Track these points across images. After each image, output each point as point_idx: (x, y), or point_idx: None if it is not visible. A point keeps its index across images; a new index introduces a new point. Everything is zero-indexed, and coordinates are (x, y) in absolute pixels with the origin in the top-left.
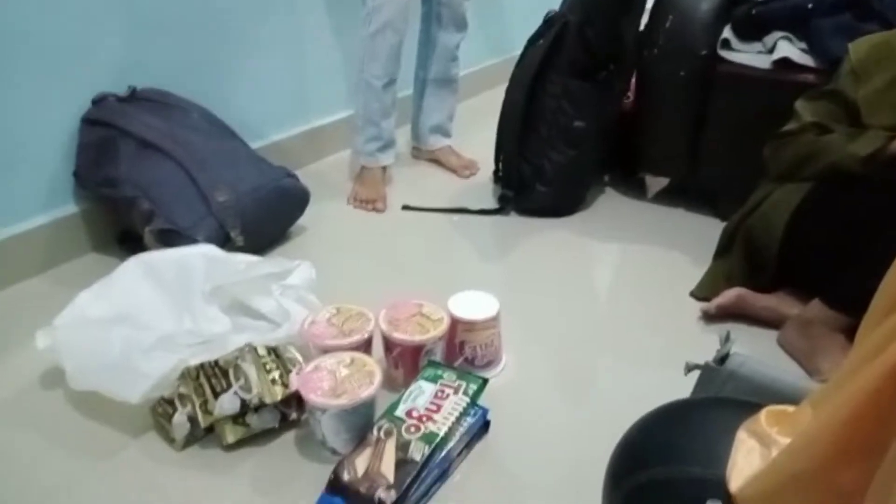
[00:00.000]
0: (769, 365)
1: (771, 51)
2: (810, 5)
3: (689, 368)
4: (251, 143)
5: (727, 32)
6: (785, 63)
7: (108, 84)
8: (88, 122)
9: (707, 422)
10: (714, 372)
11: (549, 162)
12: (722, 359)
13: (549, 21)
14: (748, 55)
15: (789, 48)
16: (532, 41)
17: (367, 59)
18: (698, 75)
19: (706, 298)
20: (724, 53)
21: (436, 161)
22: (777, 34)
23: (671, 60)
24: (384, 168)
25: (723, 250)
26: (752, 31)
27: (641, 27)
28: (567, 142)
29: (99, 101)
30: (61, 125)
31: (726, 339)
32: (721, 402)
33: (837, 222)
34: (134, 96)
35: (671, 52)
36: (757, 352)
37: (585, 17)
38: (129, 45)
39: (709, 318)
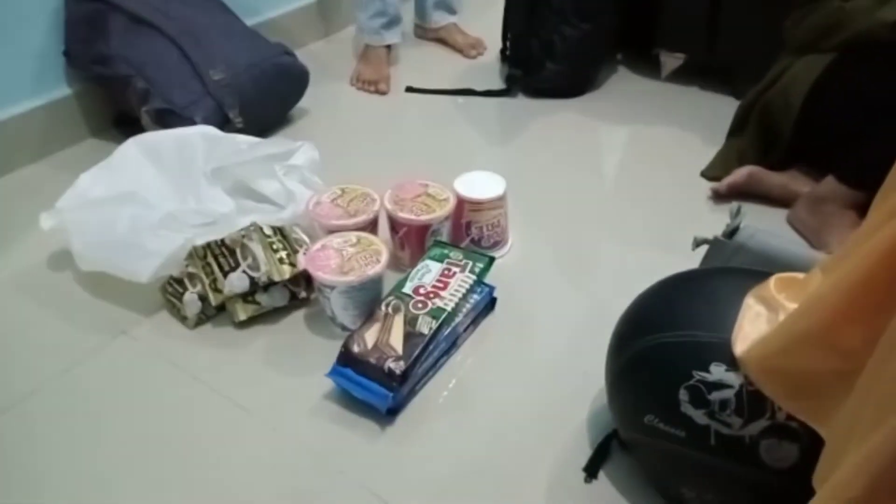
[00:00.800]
0: (780, 236)
1: None
2: None
3: (698, 243)
4: (245, 19)
5: None
6: None
7: None
8: None
9: (714, 289)
10: (723, 245)
11: (560, 37)
12: (731, 232)
13: None
14: None
15: None
16: None
17: None
18: None
19: (717, 178)
20: None
21: (440, 40)
22: None
23: None
24: (389, 47)
25: (737, 129)
26: None
27: None
28: (580, 14)
29: None
30: (50, 4)
31: (737, 213)
32: (729, 271)
33: (859, 92)
34: None
35: None
36: (765, 226)
37: None
38: None
39: (719, 196)
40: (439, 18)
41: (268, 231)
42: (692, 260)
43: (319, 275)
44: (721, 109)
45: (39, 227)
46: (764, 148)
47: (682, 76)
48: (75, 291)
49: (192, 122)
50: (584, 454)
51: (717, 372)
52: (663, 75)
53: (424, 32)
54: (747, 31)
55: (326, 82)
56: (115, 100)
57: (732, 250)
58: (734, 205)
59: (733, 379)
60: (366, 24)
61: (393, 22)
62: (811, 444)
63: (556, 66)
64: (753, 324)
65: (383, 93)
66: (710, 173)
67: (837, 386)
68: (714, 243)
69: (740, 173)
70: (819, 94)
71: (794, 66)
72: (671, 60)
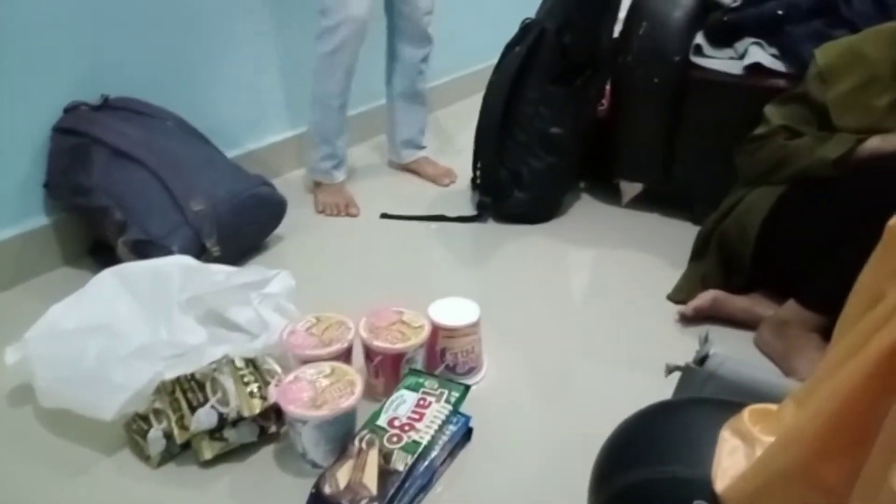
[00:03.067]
0: (749, 364)
1: (742, 56)
2: (781, 12)
3: (670, 370)
4: (226, 152)
5: (700, 39)
6: (757, 69)
7: (79, 92)
8: (60, 130)
9: (690, 422)
10: (694, 373)
11: (527, 168)
12: (702, 359)
13: (525, 27)
14: (720, 61)
15: (760, 54)
16: (509, 47)
17: (323, 78)
18: (672, 81)
19: (682, 301)
20: (696, 59)
21: (413, 171)
22: (748, 40)
23: (645, 66)
24: (340, 183)
25: (697, 254)
26: (724, 38)
27: (616, 34)
28: (545, 148)
29: (71, 110)
30: (31, 135)
31: (705, 340)
32: (703, 402)
33: (810, 224)
34: (107, 104)
35: (645, 59)
36: (733, 353)
37: (562, 24)
38: (100, 52)
39: (686, 320)
40: (408, 154)
41: (239, 363)
42: (667, 383)
43: (291, 409)
44: (681, 234)
45: (3, 360)
46: (725, 273)
47: (642, 202)
48: (34, 428)
49: (168, 252)
50: None
51: None
52: (624, 202)
53: (398, 165)
54: (702, 161)
55: (302, 209)
56: (92, 229)
57: (704, 378)
58: (703, 332)
59: None
60: (317, 164)
61: (342, 163)
62: None
63: (524, 195)
64: (731, 458)
65: (354, 215)
66: (676, 297)
67: None
68: (686, 370)
69: (705, 298)
70: (773, 225)
71: (748, 196)
72: (630, 188)
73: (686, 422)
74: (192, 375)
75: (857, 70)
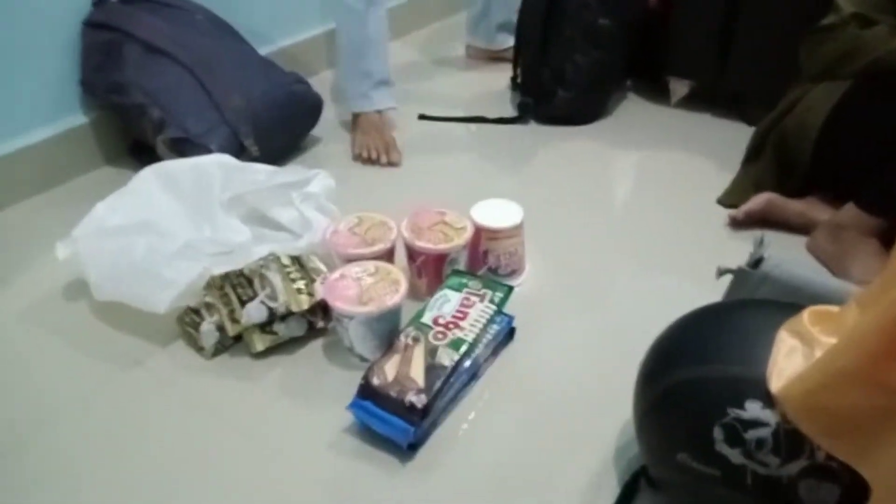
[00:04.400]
0: (806, 266)
1: None
2: None
3: (721, 272)
4: (261, 47)
5: None
6: None
7: None
8: (90, 25)
9: (745, 323)
10: (748, 275)
11: (572, 65)
12: (756, 262)
13: None
14: None
15: None
16: None
17: None
18: None
19: (734, 205)
20: None
21: (504, 60)
22: None
23: None
24: (380, 112)
25: (752, 156)
26: None
27: None
28: (592, 41)
29: (99, 3)
30: (62, 30)
31: (760, 243)
32: (759, 303)
33: (875, 123)
34: None
35: None
36: (787, 257)
37: None
38: None
39: (736, 224)
40: (504, 40)
41: (286, 261)
42: (714, 288)
43: (338, 305)
44: (733, 136)
45: (55, 255)
46: (781, 175)
47: (692, 103)
48: (90, 322)
49: (207, 151)
50: (611, 491)
51: (753, 409)
52: (673, 102)
53: (482, 53)
54: (758, 57)
55: (339, 110)
56: (131, 128)
57: (758, 281)
58: (758, 234)
59: (769, 417)
60: (349, 86)
61: (382, 83)
62: (852, 485)
63: (568, 94)
64: (788, 359)
65: (395, 163)
66: (727, 201)
67: (881, 424)
68: (738, 273)
69: (758, 201)
70: (837, 122)
71: (811, 93)
72: (680, 88)
73: (740, 323)
74: (241, 271)
75: None
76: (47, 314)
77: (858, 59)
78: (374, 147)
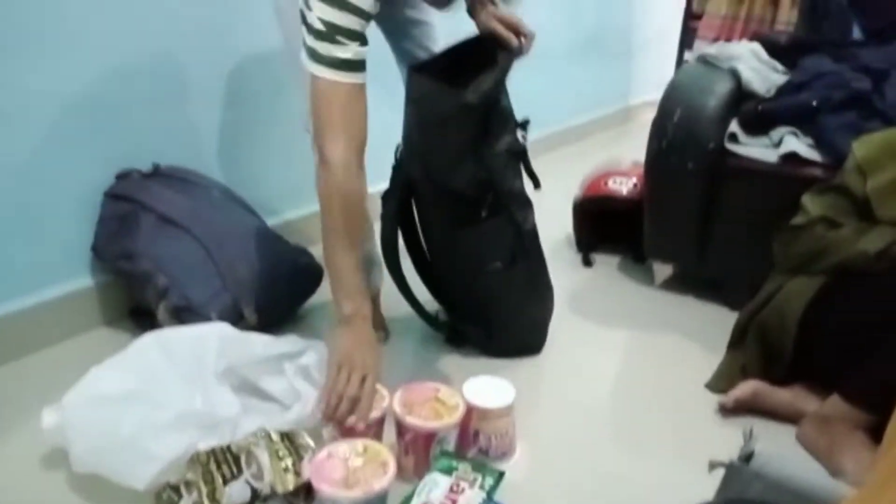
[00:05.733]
0: (795, 463)
1: (778, 145)
2: (815, 103)
3: (713, 466)
4: (269, 219)
5: (734, 126)
6: (792, 158)
7: (132, 158)
8: (111, 196)
9: None
10: (740, 470)
11: (498, 313)
12: (747, 457)
13: (396, 169)
14: (756, 149)
15: (796, 143)
16: (385, 199)
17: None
18: (706, 168)
19: (722, 391)
20: (731, 147)
21: None
22: (784, 129)
23: (679, 153)
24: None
25: (736, 342)
26: (759, 126)
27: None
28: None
29: (123, 177)
30: (84, 198)
31: (750, 437)
32: None
33: (852, 316)
34: (157, 172)
35: (679, 145)
36: (775, 447)
37: (424, 171)
38: (153, 123)
39: (726, 411)
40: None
41: (275, 437)
42: (705, 474)
43: (323, 488)
44: (716, 318)
45: (39, 420)
46: (765, 364)
47: (675, 283)
48: (65, 495)
49: (207, 318)
50: None
51: None
52: (656, 282)
53: None
54: (736, 247)
55: None
56: (134, 292)
57: (750, 477)
58: (747, 427)
59: None
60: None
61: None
62: None
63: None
64: None
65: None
66: (716, 386)
67: None
68: (730, 468)
69: (745, 390)
70: (815, 316)
71: (787, 285)
72: (663, 269)
73: None
74: (228, 447)
75: None
76: (23, 482)
77: (827, 259)
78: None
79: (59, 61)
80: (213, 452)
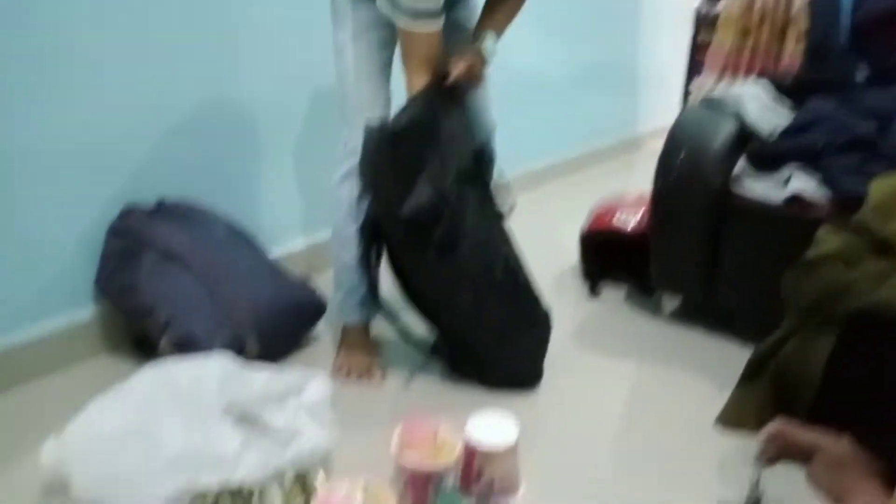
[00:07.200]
0: None
1: (786, 182)
2: (820, 145)
3: None
4: (271, 249)
5: (740, 166)
6: (797, 199)
7: (137, 191)
8: (114, 233)
9: None
10: None
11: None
12: (755, 502)
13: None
14: (761, 189)
15: (805, 181)
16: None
17: (334, 208)
18: (712, 206)
19: (732, 427)
20: (737, 186)
21: None
22: (791, 166)
23: (685, 191)
24: (367, 328)
25: (749, 379)
26: (765, 166)
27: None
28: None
29: (126, 214)
30: (88, 232)
31: (756, 484)
32: None
33: (876, 367)
34: (161, 208)
35: (685, 184)
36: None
37: (375, 203)
38: (158, 157)
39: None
40: None
41: (288, 479)
42: None
43: None
44: (725, 352)
45: (40, 451)
46: (781, 405)
47: (683, 316)
48: None
49: (209, 351)
50: None
51: None
52: (665, 313)
53: None
54: (743, 283)
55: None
56: (135, 326)
57: None
58: (753, 475)
59: None
60: (340, 303)
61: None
62: None
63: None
64: None
65: (375, 379)
66: (726, 422)
67: None
68: None
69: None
70: (838, 367)
71: (804, 329)
72: (671, 301)
73: None
74: (239, 489)
75: None
76: None
77: (846, 302)
78: (355, 366)
79: (65, 101)
80: (219, 495)
